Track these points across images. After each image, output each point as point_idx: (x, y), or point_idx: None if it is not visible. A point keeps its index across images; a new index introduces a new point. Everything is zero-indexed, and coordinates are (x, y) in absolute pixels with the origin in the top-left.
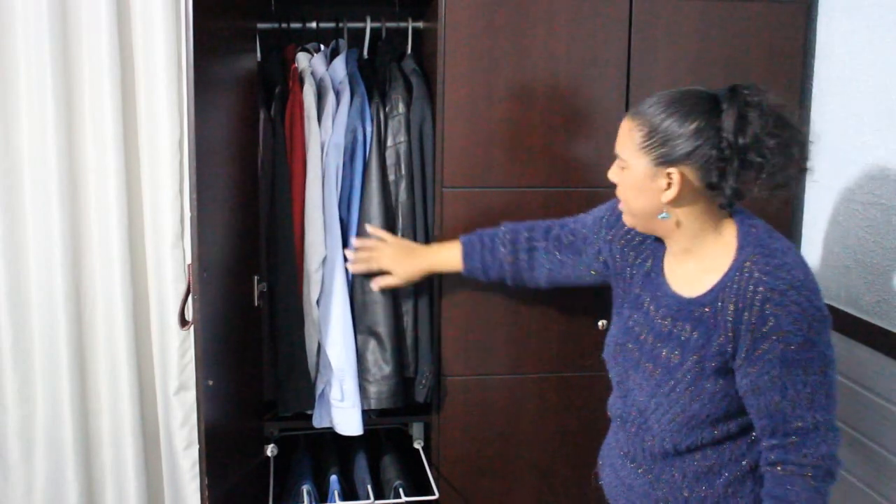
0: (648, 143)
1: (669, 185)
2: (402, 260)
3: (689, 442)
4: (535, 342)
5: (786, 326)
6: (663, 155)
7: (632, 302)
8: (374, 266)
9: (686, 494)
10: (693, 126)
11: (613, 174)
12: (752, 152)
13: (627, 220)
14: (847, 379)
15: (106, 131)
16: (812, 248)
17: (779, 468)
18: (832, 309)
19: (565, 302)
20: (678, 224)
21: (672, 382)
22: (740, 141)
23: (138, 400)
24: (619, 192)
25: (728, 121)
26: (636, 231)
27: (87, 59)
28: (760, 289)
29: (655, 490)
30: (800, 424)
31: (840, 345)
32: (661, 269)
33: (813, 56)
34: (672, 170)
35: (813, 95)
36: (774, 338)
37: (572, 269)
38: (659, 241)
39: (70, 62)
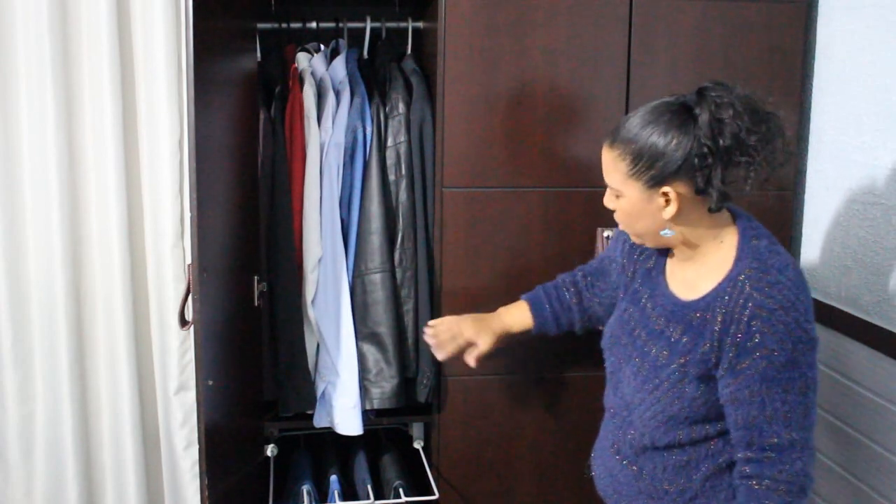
0: (636, 168)
1: (667, 202)
2: (479, 330)
3: (667, 440)
4: (536, 342)
5: (770, 345)
6: (654, 177)
7: (631, 296)
8: (461, 342)
9: (667, 487)
10: (675, 141)
11: (609, 202)
12: (736, 152)
13: (635, 240)
14: (847, 378)
15: (106, 131)
16: (812, 248)
17: (754, 482)
18: (832, 309)
19: None
20: (682, 235)
21: (656, 381)
22: (721, 143)
23: (138, 400)
24: (619, 218)
25: (704, 127)
26: None
27: (87, 59)
28: (750, 304)
29: (639, 482)
30: (775, 440)
31: (840, 344)
32: (663, 268)
33: (813, 56)
34: (666, 188)
35: (813, 95)
36: (758, 354)
37: (612, 291)
38: None
39: (70, 62)
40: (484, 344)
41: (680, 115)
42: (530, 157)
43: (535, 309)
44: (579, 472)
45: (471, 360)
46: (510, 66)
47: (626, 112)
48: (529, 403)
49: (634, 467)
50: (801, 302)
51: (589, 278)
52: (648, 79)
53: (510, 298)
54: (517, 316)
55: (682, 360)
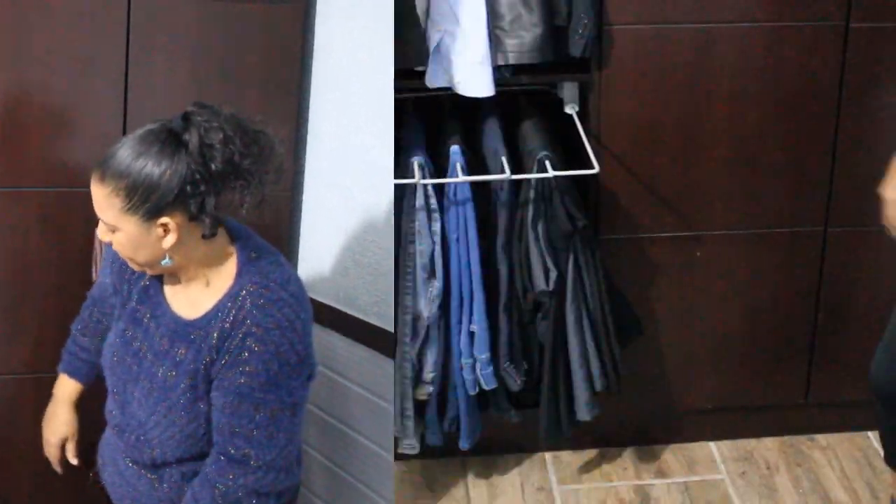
0: (131, 203)
1: (166, 232)
2: (71, 422)
3: (189, 455)
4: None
5: (253, 363)
6: (150, 210)
7: (129, 316)
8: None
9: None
10: (168, 171)
11: (103, 235)
12: (231, 177)
13: (137, 269)
14: (343, 378)
15: None
16: (310, 250)
17: (208, 471)
18: (331, 309)
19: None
20: (183, 261)
21: (169, 402)
22: (213, 168)
23: None
24: (117, 250)
25: (195, 153)
26: None
27: None
28: (247, 321)
29: (158, 490)
30: (231, 451)
31: (336, 344)
32: (161, 287)
33: (311, 57)
34: (164, 219)
35: (311, 96)
36: (240, 369)
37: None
38: None
39: None
40: (76, 433)
41: (169, 143)
42: (27, 158)
43: (72, 372)
44: (85, 477)
45: (74, 457)
46: (4, 65)
47: (125, 114)
48: (26, 406)
49: (153, 476)
50: (299, 321)
51: (97, 309)
52: (148, 81)
53: (5, 305)
54: (69, 388)
55: (190, 380)
